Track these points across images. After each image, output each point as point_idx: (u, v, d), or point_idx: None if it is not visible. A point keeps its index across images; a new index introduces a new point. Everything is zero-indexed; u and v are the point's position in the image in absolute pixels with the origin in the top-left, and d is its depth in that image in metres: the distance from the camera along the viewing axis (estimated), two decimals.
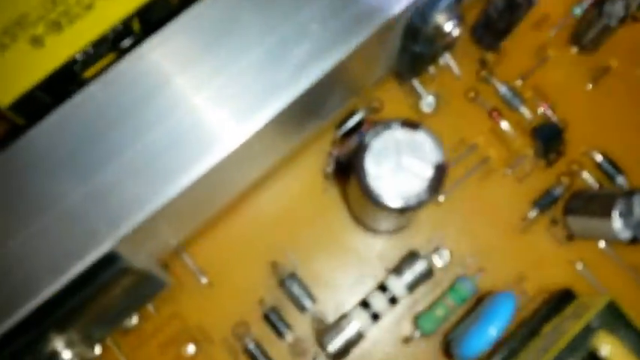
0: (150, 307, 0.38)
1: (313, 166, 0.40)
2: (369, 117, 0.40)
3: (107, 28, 0.32)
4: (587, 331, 0.33)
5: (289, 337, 0.38)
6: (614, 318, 0.34)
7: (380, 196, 0.31)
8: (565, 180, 0.40)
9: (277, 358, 0.38)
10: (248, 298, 0.39)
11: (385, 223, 0.37)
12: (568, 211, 0.40)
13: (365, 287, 0.39)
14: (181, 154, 0.28)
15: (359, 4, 0.30)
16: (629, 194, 0.36)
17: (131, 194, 0.28)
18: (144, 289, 0.34)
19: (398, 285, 0.38)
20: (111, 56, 0.33)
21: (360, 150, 0.31)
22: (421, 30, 0.32)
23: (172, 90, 0.29)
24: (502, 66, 0.42)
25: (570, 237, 0.40)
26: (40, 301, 0.27)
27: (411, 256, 0.39)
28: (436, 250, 0.39)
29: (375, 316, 0.38)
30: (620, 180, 0.40)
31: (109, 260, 0.28)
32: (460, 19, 0.32)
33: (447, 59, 0.41)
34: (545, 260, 0.40)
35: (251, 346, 0.38)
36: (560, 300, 0.37)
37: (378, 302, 0.38)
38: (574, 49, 0.42)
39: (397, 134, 0.31)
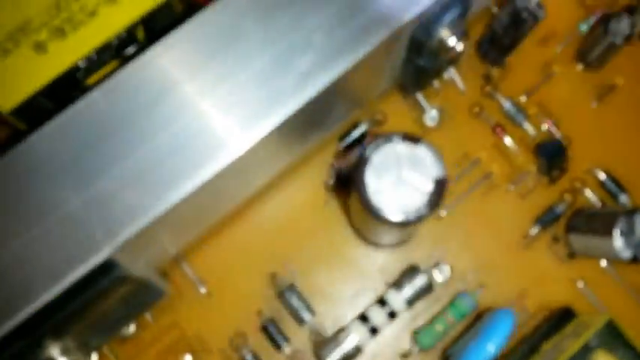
0: (148, 316, 0.38)
1: (316, 177, 0.40)
2: (372, 129, 0.40)
3: (111, 36, 0.32)
4: (586, 350, 0.33)
5: (287, 349, 0.38)
6: (612, 337, 0.34)
7: (380, 210, 0.31)
8: (567, 197, 0.40)
9: None
10: (247, 309, 0.39)
11: (385, 236, 0.37)
12: (570, 228, 0.39)
13: (364, 301, 0.39)
14: (185, 161, 0.28)
15: (366, 13, 0.29)
16: (630, 213, 0.35)
17: (132, 201, 0.28)
18: (142, 297, 0.34)
19: (397, 299, 0.38)
20: (114, 64, 0.33)
21: (361, 163, 0.31)
22: (425, 44, 0.32)
23: (176, 97, 0.29)
24: (507, 81, 0.42)
25: (572, 255, 0.40)
26: (36, 307, 0.27)
27: (412, 271, 0.38)
28: (437, 265, 0.39)
29: (374, 330, 0.37)
30: (623, 198, 0.40)
31: (107, 268, 0.28)
32: (464, 34, 0.32)
33: (451, 74, 0.41)
34: (547, 277, 0.39)
35: (248, 357, 0.38)
36: (561, 318, 0.37)
37: (377, 316, 0.38)
38: (579, 66, 0.42)
39: (398, 148, 0.31)
